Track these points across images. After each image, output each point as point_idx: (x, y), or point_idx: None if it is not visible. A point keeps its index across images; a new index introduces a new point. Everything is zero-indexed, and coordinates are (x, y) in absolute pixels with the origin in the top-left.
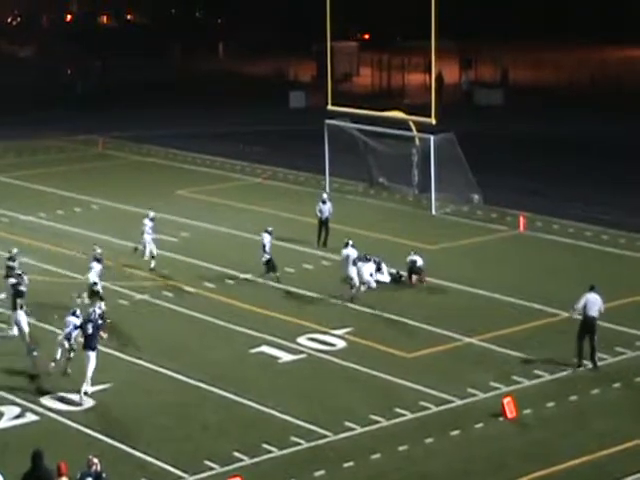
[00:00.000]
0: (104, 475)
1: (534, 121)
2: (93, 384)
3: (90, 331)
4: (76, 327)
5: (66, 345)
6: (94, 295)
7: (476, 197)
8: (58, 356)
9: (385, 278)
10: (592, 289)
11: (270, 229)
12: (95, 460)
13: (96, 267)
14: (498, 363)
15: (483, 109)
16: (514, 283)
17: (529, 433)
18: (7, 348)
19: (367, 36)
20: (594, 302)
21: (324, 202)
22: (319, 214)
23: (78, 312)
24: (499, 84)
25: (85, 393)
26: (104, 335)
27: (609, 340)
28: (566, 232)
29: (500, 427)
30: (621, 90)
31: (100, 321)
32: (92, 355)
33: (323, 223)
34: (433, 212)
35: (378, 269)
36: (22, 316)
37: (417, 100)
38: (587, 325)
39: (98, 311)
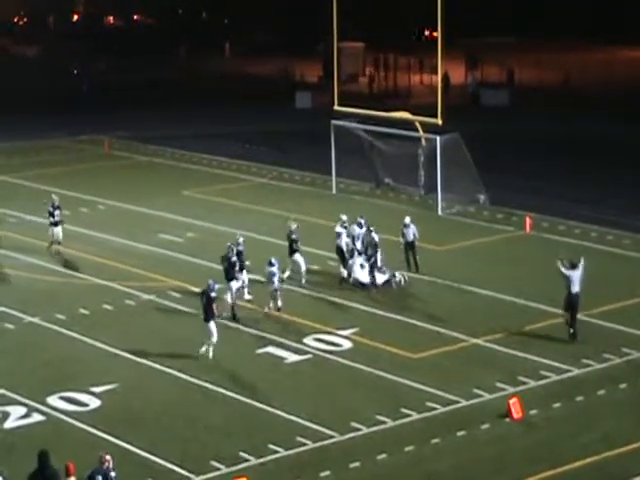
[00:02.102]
0: (113, 474)
1: (540, 121)
2: (99, 384)
3: (205, 302)
4: (274, 274)
5: (277, 289)
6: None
7: (482, 198)
8: (280, 303)
9: (380, 278)
10: (574, 267)
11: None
12: (107, 457)
13: (344, 231)
14: (504, 364)
15: (489, 109)
16: (520, 284)
17: (535, 434)
18: (10, 347)
19: (435, 34)
20: (577, 279)
21: (406, 225)
22: (402, 239)
23: (274, 261)
24: (505, 85)
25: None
26: (216, 310)
27: (615, 341)
28: (572, 233)
29: (506, 428)
30: (628, 91)
31: (213, 294)
32: (210, 324)
33: (409, 246)
34: (439, 213)
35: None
36: (234, 286)
37: (423, 100)
38: (572, 301)
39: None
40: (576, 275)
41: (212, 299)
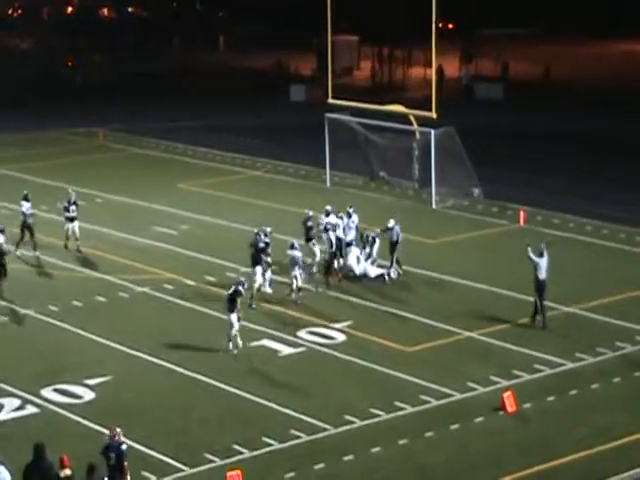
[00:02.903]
0: (124, 447)
1: (534, 115)
2: (93, 377)
3: (233, 295)
4: (300, 258)
5: (298, 275)
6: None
7: (476, 191)
8: (300, 283)
9: (373, 271)
10: (541, 254)
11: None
12: (118, 429)
13: (340, 222)
14: (498, 357)
15: (483, 103)
16: (514, 277)
17: (529, 427)
18: (4, 339)
19: (451, 26)
20: (544, 266)
21: (389, 229)
22: (388, 237)
23: (296, 244)
24: (500, 78)
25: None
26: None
27: (609, 335)
28: (566, 226)
29: (500, 421)
30: (624, 85)
31: (241, 288)
32: (232, 316)
33: (393, 246)
34: (433, 206)
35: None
36: (258, 271)
37: (418, 94)
38: (539, 287)
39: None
40: (543, 262)
41: (242, 295)
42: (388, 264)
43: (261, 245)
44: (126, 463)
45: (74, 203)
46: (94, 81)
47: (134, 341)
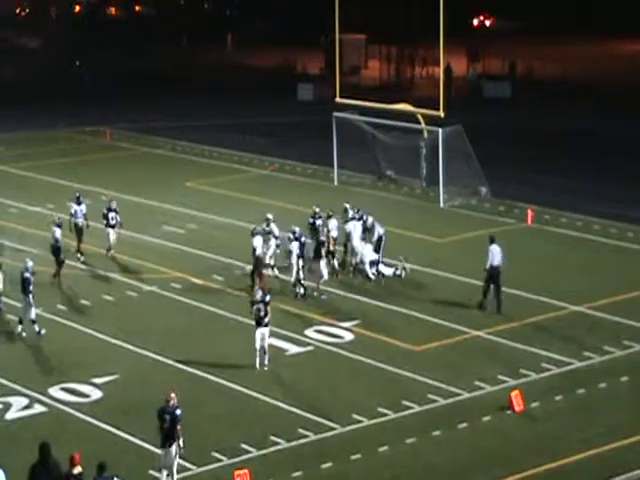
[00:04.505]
0: (178, 412)
1: (542, 114)
2: (100, 375)
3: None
4: (297, 240)
5: (294, 263)
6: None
7: (484, 190)
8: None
9: (386, 270)
10: (493, 241)
11: None
12: (172, 395)
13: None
14: (506, 356)
15: (491, 101)
16: (521, 276)
17: (536, 426)
18: (12, 338)
19: (488, 23)
20: (496, 253)
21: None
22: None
23: (296, 230)
24: (507, 77)
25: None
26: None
27: (617, 333)
28: (574, 225)
29: (508, 420)
30: (628, 84)
31: (267, 298)
32: (265, 330)
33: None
34: (441, 205)
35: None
36: (322, 264)
37: (426, 93)
38: (491, 274)
39: (260, 293)
40: (495, 249)
41: (268, 303)
42: (395, 264)
43: (321, 238)
44: (179, 427)
45: (114, 210)
46: (101, 80)
47: (141, 340)
